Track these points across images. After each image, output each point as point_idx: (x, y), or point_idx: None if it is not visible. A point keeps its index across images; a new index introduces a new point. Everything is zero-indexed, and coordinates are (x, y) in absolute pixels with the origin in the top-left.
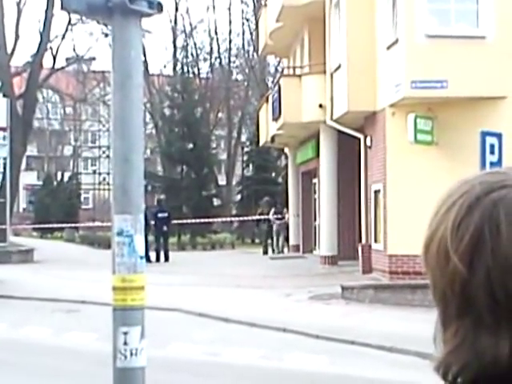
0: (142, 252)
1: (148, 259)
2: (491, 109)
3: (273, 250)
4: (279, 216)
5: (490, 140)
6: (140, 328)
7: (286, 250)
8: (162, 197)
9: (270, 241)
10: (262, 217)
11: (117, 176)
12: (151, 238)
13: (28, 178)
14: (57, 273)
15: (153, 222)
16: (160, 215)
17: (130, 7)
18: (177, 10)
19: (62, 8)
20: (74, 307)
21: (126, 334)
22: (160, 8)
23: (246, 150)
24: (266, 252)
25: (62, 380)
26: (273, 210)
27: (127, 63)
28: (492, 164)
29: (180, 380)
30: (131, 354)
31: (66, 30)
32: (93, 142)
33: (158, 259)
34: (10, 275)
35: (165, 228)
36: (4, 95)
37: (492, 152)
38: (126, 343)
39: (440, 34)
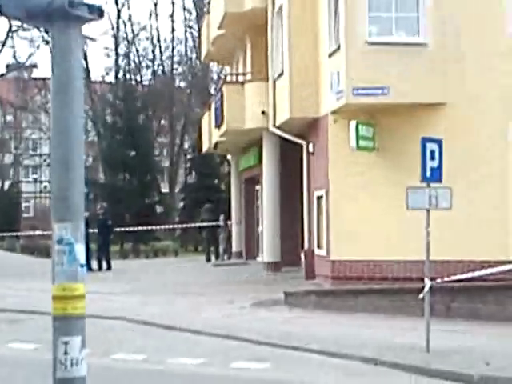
0: (83, 260)
1: (89, 268)
2: (431, 115)
3: (216, 257)
4: (224, 223)
5: (430, 146)
6: (81, 337)
7: (225, 256)
8: (105, 204)
9: (212, 248)
10: (205, 224)
11: (56, 183)
12: (93, 246)
13: None
14: None
15: (96, 230)
16: (107, 223)
17: (70, 12)
18: (119, 17)
19: (0, 14)
20: (16, 317)
21: (66, 343)
22: (100, 13)
23: (188, 157)
24: (208, 259)
25: None
26: (222, 217)
27: (67, 69)
28: (432, 170)
29: None
30: (72, 364)
31: (7, 36)
32: (34, 150)
33: (100, 268)
34: None
35: (108, 236)
36: None
37: (432, 158)
38: (66, 353)
39: (381, 42)
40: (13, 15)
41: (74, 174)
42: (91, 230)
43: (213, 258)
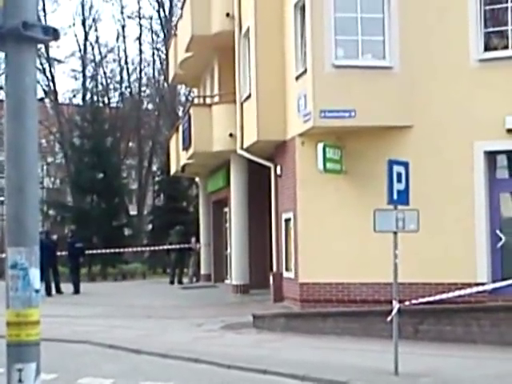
0: (37, 285)
1: (49, 292)
2: (398, 138)
3: (179, 281)
4: (194, 245)
5: (397, 168)
6: (35, 364)
7: (194, 279)
8: (73, 227)
9: (177, 270)
10: (173, 246)
11: (11, 207)
12: (64, 269)
13: None
14: None
15: (67, 253)
16: (76, 245)
17: (24, 34)
18: (86, 38)
19: None
20: None
21: (20, 370)
22: (56, 35)
23: (156, 179)
24: (172, 282)
25: None
26: (193, 239)
27: (21, 90)
28: (399, 192)
29: None
30: None
31: None
32: (1, 172)
33: (77, 291)
34: None
35: (81, 259)
36: None
37: (399, 180)
38: (20, 380)
39: (347, 65)
40: None
41: (29, 198)
42: (60, 253)
43: (176, 281)
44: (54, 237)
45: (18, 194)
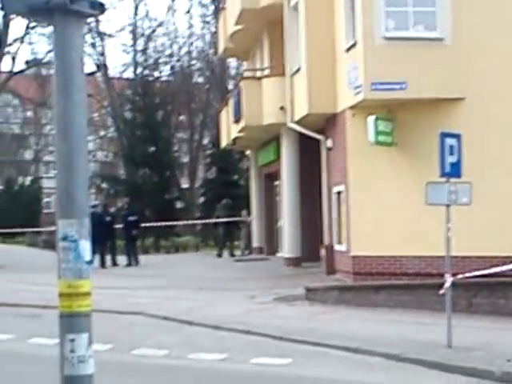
0: (88, 257)
1: (103, 264)
2: (450, 110)
3: (231, 254)
4: (244, 218)
5: (449, 141)
6: (87, 335)
7: (246, 252)
8: (126, 200)
9: (228, 243)
10: (221, 220)
11: (61, 180)
12: (119, 241)
13: None
14: (19, 278)
15: (122, 226)
16: (130, 218)
17: (71, 8)
18: (136, 13)
19: (1, 9)
20: (36, 312)
21: (72, 341)
22: (102, 8)
23: (207, 152)
24: (220, 255)
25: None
26: (244, 212)
27: (69, 65)
28: (452, 165)
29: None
30: (78, 362)
31: (25, 33)
32: (53, 145)
33: (134, 263)
34: None
35: (134, 232)
36: None
37: (451, 153)
38: (72, 350)
39: (398, 37)
40: (15, 11)
41: (78, 171)
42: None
43: (225, 254)
44: (112, 209)
45: (68, 167)
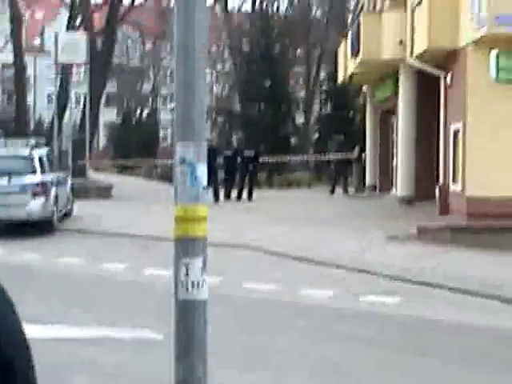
0: (205, 182)
1: (228, 195)
2: None
3: (344, 190)
4: (358, 155)
5: None
6: (202, 260)
7: (357, 189)
8: (240, 135)
9: (341, 180)
10: (333, 156)
11: (179, 103)
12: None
13: (108, 115)
14: (134, 209)
15: (239, 160)
16: (247, 153)
17: None
18: None
19: None
20: (149, 243)
21: (187, 265)
22: None
23: (324, 87)
24: (332, 191)
25: (136, 313)
26: (357, 148)
27: None
28: None
29: (254, 317)
30: (193, 286)
31: None
32: (171, 79)
33: (239, 197)
34: (88, 211)
35: (250, 166)
36: (84, 30)
37: None
38: (187, 275)
39: None
40: None
41: (197, 93)
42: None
43: (339, 190)
44: (252, 152)
45: (186, 89)
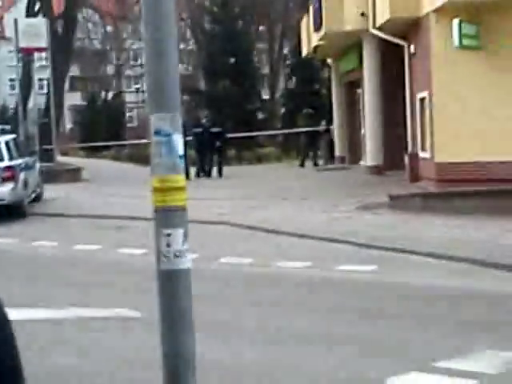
0: (181, 152)
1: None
2: None
3: (314, 163)
4: (326, 127)
5: None
6: (183, 230)
7: (328, 161)
8: (206, 112)
9: (311, 153)
10: (303, 129)
11: (150, 72)
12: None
13: (72, 99)
14: (105, 190)
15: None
16: (213, 130)
17: None
18: None
19: None
20: (123, 223)
21: (168, 235)
22: None
23: (288, 62)
24: (302, 165)
25: (113, 292)
26: (324, 122)
27: None
28: None
29: (232, 292)
30: (175, 256)
31: None
32: (135, 60)
33: (208, 174)
34: (59, 194)
35: (217, 143)
36: (44, 15)
37: None
38: (168, 245)
39: None
40: None
41: (169, 61)
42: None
43: (309, 164)
44: (219, 129)
45: (158, 57)
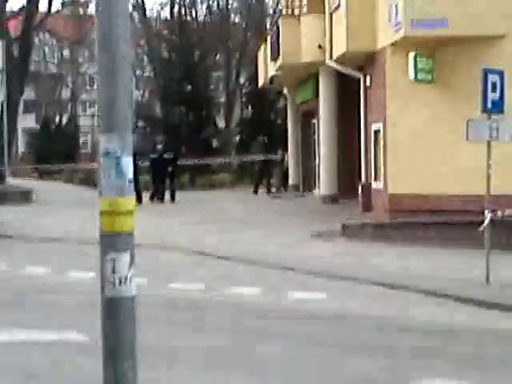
0: (130, 174)
1: (140, 200)
2: (491, 47)
3: (268, 190)
4: (281, 156)
5: (491, 78)
6: (129, 254)
7: (282, 189)
8: (161, 138)
9: (264, 181)
10: (257, 158)
11: (102, 92)
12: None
13: (26, 122)
14: (56, 212)
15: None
16: (165, 156)
17: None
18: None
19: None
20: (73, 246)
21: (113, 260)
22: None
23: (244, 91)
24: (256, 192)
25: (61, 314)
26: (280, 151)
27: None
28: (494, 102)
29: (180, 317)
30: (120, 283)
31: None
32: (90, 85)
33: (162, 199)
34: (8, 216)
35: (169, 168)
36: (0, 36)
37: (494, 90)
38: (114, 271)
39: None
40: None
41: (121, 80)
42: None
43: (261, 191)
44: (171, 155)
45: (110, 77)
